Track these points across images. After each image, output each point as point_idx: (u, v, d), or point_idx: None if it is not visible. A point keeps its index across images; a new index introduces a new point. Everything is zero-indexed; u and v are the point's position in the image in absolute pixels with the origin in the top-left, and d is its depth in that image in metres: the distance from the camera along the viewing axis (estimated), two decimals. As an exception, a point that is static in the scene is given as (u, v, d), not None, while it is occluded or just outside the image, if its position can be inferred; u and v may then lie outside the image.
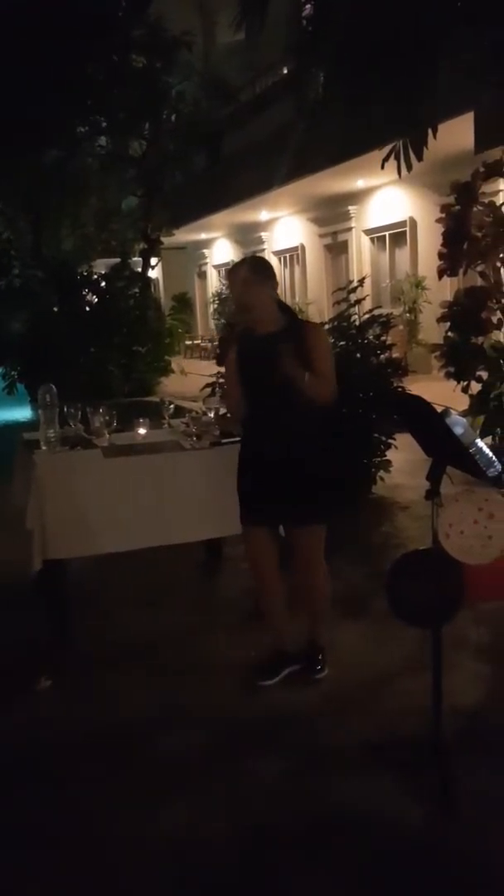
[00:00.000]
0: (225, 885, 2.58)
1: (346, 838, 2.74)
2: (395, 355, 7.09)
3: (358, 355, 6.69)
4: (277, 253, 21.90)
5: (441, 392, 6.42)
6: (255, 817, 2.87)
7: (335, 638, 4.08)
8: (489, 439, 6.67)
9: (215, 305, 24.62)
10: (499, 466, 2.74)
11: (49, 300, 13.71)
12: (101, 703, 3.70)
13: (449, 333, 7.37)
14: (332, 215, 19.14)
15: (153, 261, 16.06)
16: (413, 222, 16.32)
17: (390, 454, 6.69)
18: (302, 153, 14.11)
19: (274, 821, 2.85)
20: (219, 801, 2.97)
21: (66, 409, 4.49)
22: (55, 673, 3.92)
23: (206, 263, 28.36)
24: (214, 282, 27.00)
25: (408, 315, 15.62)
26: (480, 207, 7.10)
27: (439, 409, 2.83)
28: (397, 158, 5.86)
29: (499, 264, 7.16)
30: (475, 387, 7.09)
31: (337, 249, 19.67)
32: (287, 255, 21.79)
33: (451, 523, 2.88)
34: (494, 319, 7.14)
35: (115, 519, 4.18)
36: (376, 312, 7.10)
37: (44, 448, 4.24)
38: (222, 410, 4.41)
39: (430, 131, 5.65)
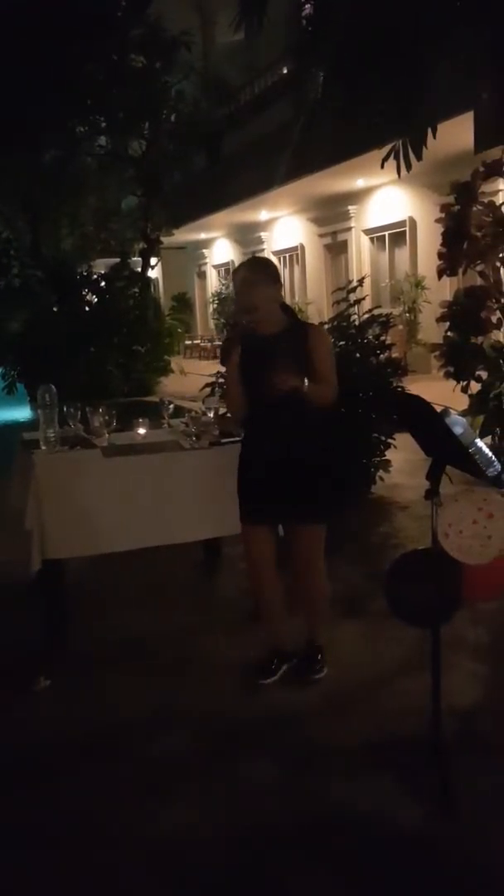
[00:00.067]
0: (225, 885, 2.58)
1: (346, 838, 2.73)
2: (394, 355, 7.09)
3: (357, 355, 6.69)
4: (277, 253, 21.90)
5: (440, 392, 6.42)
6: (254, 817, 2.87)
7: (334, 638, 4.08)
8: (488, 439, 6.67)
9: (215, 305, 24.63)
10: (498, 466, 2.74)
11: (48, 300, 13.72)
12: (100, 703, 3.70)
13: (448, 333, 7.37)
14: (331, 215, 19.14)
15: (153, 260, 16.07)
16: (413, 222, 16.32)
17: (390, 454, 6.69)
18: (301, 153, 14.12)
19: (274, 821, 2.85)
20: (218, 800, 2.97)
21: (65, 409, 4.49)
22: (54, 673, 3.91)
23: (205, 263, 28.36)
24: (214, 282, 27.01)
25: (407, 315, 15.63)
26: (480, 207, 7.10)
27: (439, 409, 2.83)
28: (397, 158, 5.86)
29: (498, 264, 7.16)
30: (475, 386, 7.09)
31: (336, 249, 19.67)
32: (287, 254, 21.79)
33: (451, 523, 2.88)
34: (494, 319, 7.14)
35: (115, 519, 4.18)
36: (376, 312, 7.10)
37: (43, 448, 4.24)
38: (222, 410, 4.41)
39: (429, 131, 5.65)
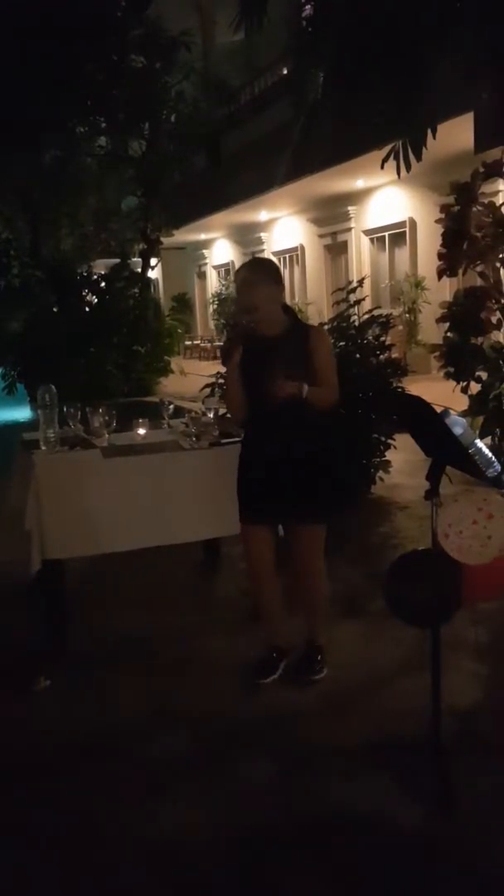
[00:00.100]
0: (225, 885, 2.58)
1: (346, 838, 2.74)
2: (394, 355, 7.09)
3: (357, 356, 6.69)
4: (277, 253, 21.90)
5: (440, 392, 6.42)
6: (254, 817, 2.87)
7: (334, 638, 4.08)
8: (488, 440, 6.67)
9: (215, 306, 24.63)
10: (498, 467, 2.74)
11: (48, 300, 13.73)
12: (100, 703, 3.70)
13: (448, 334, 7.37)
14: (331, 216, 19.14)
15: (153, 261, 16.09)
16: (413, 223, 16.32)
17: (389, 454, 6.69)
18: (301, 153, 14.11)
19: (274, 821, 2.85)
20: (219, 800, 2.97)
21: (65, 410, 4.49)
22: (54, 673, 3.92)
23: (205, 264, 28.36)
24: (214, 282, 27.01)
25: (407, 315, 15.62)
26: (480, 208, 7.10)
27: (438, 410, 2.83)
28: (397, 159, 5.87)
29: (498, 265, 7.15)
30: (474, 387, 7.08)
31: (336, 250, 19.67)
32: (287, 255, 21.79)
33: (451, 523, 2.88)
34: (494, 320, 7.14)
35: (114, 519, 4.18)
36: (376, 313, 7.11)
37: (43, 448, 4.24)
38: (222, 411, 4.41)
39: (429, 131, 5.65)
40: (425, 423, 2.92)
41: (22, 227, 15.51)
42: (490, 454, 2.74)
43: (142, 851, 2.71)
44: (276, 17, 6.74)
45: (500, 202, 8.42)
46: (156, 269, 17.48)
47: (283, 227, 21.97)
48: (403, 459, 6.64)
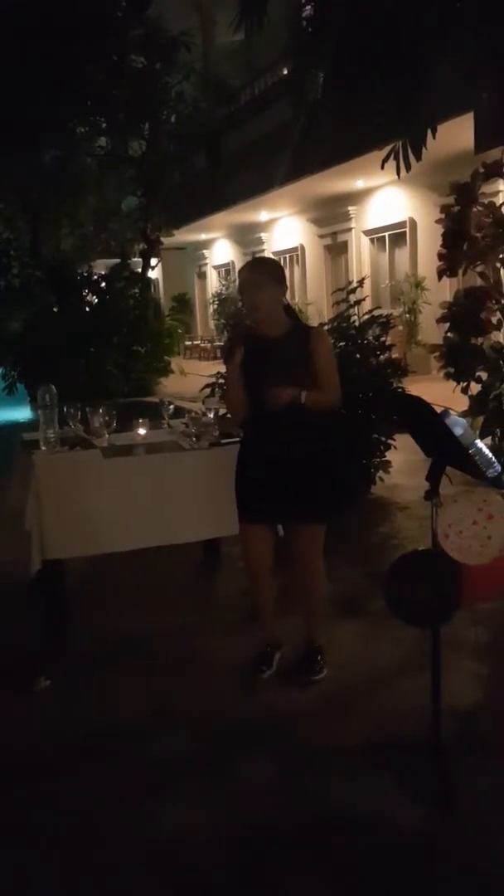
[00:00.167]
0: (225, 885, 2.58)
1: (346, 838, 2.74)
2: (394, 356, 7.09)
3: (357, 356, 6.68)
4: (277, 253, 21.89)
5: (440, 393, 6.42)
6: (254, 817, 2.87)
7: (334, 638, 4.08)
8: (488, 440, 6.67)
9: (215, 306, 24.63)
10: (498, 467, 2.74)
11: (48, 300, 13.74)
12: (100, 703, 3.70)
13: (448, 334, 7.37)
14: (331, 216, 19.14)
15: (153, 261, 16.09)
16: (413, 223, 16.33)
17: (389, 455, 6.69)
18: (301, 154, 14.11)
19: (273, 821, 2.85)
20: (218, 800, 2.97)
21: (65, 410, 4.49)
22: (54, 673, 3.92)
23: (205, 264, 28.36)
24: (214, 282, 27.01)
25: (407, 315, 15.62)
26: (480, 208, 7.10)
27: (439, 410, 2.83)
28: (396, 159, 5.87)
29: (498, 265, 7.16)
30: (475, 387, 7.08)
31: (336, 250, 19.67)
32: (287, 255, 21.78)
33: (451, 524, 2.88)
34: (494, 320, 7.14)
35: (114, 519, 4.18)
36: (376, 313, 7.10)
37: (43, 448, 4.24)
38: (222, 411, 4.41)
39: (429, 131, 5.65)
40: (425, 424, 2.92)
41: (22, 227, 15.51)
42: (490, 454, 2.74)
43: (142, 851, 2.71)
44: (276, 18, 6.74)
45: (501, 202, 8.41)
46: (156, 269, 17.49)
47: (284, 228, 21.98)
48: (403, 460, 6.64)
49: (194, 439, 4.37)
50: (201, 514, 4.31)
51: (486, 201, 7.27)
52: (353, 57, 5.78)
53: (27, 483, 4.14)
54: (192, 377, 11.30)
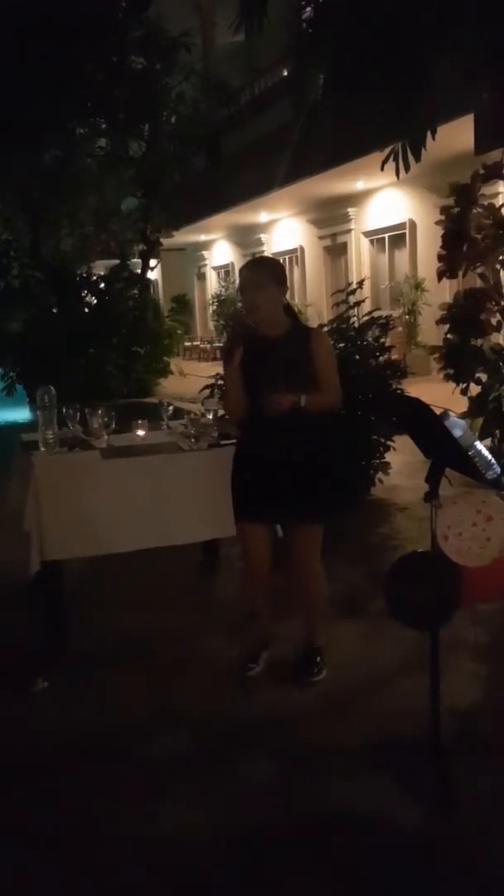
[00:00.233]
0: (225, 885, 2.58)
1: (346, 838, 2.74)
2: (394, 357, 7.10)
3: (357, 357, 6.69)
4: (277, 255, 21.84)
5: (440, 394, 6.43)
6: (254, 817, 2.87)
7: (334, 638, 4.09)
8: (488, 441, 6.68)
9: (214, 307, 24.64)
10: (497, 469, 2.74)
11: (48, 301, 13.74)
12: (99, 704, 3.70)
13: (448, 335, 7.38)
14: (331, 217, 19.15)
15: (152, 262, 16.08)
16: (412, 224, 16.33)
17: (389, 456, 6.69)
18: (301, 154, 14.12)
19: (273, 821, 2.85)
20: (218, 800, 2.97)
21: (64, 411, 4.49)
22: (54, 673, 3.92)
23: (205, 265, 28.36)
24: (213, 283, 27.01)
25: (407, 317, 15.63)
26: (480, 209, 7.10)
27: (438, 411, 2.83)
28: (396, 160, 5.87)
29: (498, 266, 7.16)
30: (474, 389, 7.09)
31: (336, 251, 19.68)
32: (286, 256, 21.78)
33: (450, 525, 2.88)
34: (494, 321, 7.14)
35: (114, 520, 4.18)
36: (375, 314, 7.11)
37: (42, 449, 4.24)
38: (221, 412, 4.41)
39: (429, 132, 5.66)
40: (425, 425, 2.92)
41: (22, 227, 15.51)
42: (489, 456, 2.74)
43: (142, 851, 2.71)
44: (276, 18, 6.75)
45: (500, 204, 8.42)
46: (155, 270, 17.49)
47: (283, 229, 21.98)
48: (403, 461, 6.64)
49: (193, 440, 4.38)
50: (200, 515, 4.31)
51: (486, 203, 7.28)
52: (353, 57, 5.79)
53: (26, 484, 4.14)
54: (192, 378, 11.31)
